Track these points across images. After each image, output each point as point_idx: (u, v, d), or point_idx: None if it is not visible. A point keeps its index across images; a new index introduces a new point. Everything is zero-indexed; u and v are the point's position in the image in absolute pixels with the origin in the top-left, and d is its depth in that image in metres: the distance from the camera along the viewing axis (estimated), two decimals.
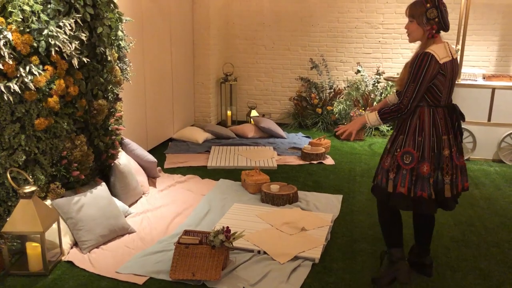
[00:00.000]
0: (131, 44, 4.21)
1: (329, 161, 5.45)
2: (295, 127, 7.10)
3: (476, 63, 6.62)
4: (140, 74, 5.15)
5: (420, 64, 2.57)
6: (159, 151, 5.68)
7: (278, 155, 5.63)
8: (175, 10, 6.00)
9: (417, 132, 2.68)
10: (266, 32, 7.20)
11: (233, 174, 4.90)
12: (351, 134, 2.83)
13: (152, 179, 4.64)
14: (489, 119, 5.47)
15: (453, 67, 2.68)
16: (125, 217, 3.72)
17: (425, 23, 2.60)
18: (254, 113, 7.13)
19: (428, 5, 2.57)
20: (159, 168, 4.86)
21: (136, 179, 4.14)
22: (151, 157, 4.55)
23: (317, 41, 7.10)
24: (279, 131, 6.49)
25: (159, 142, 5.86)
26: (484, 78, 5.72)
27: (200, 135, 6.15)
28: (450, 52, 2.67)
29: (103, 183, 3.62)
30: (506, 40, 6.53)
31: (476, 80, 5.67)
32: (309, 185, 4.65)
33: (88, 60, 3.35)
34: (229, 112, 7.20)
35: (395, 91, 3.10)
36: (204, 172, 4.97)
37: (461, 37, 5.70)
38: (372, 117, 2.75)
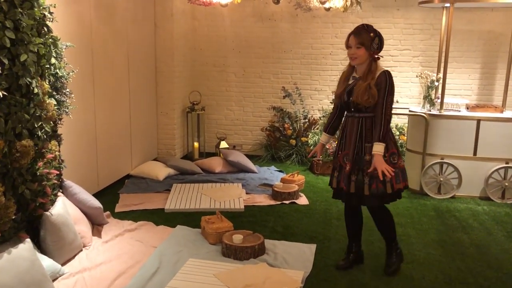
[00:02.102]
0: (72, 73, 3.65)
1: (302, 200, 4.91)
2: (267, 159, 6.58)
3: (458, 91, 6.25)
4: (89, 105, 4.58)
5: (390, 79, 3.09)
6: (113, 190, 5.07)
7: (246, 193, 5.08)
8: (134, 35, 5.48)
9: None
10: (236, 59, 6.74)
11: (193, 218, 4.32)
12: (388, 170, 3.02)
13: (98, 226, 4.02)
14: (474, 153, 5.04)
15: None
16: (55, 280, 3.09)
17: (372, 49, 3.08)
18: (223, 144, 6.59)
19: (372, 34, 3.09)
20: (107, 213, 4.25)
21: (74, 231, 3.52)
22: (95, 202, 3.94)
23: (290, 68, 6.67)
24: (250, 165, 5.96)
25: (114, 179, 5.25)
26: (467, 108, 5.32)
27: (161, 171, 5.56)
28: None
29: (28, 240, 3.00)
30: (488, 68, 6.19)
31: (460, 111, 5.27)
32: (279, 231, 4.09)
33: (5, 93, 2.77)
34: (196, 144, 6.65)
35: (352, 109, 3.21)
36: (160, 217, 4.37)
37: (442, 65, 5.32)
38: (380, 148, 3.04)
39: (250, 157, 6.54)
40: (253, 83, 6.77)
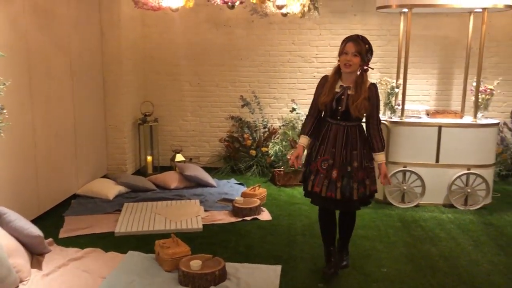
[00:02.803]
0: (2, 86, 3.23)
1: (265, 215, 4.65)
2: (227, 172, 6.28)
3: (417, 97, 6.20)
4: (26, 121, 4.13)
5: (378, 92, 3.32)
6: (57, 212, 4.62)
7: (205, 210, 4.76)
8: (77, 43, 5.06)
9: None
10: (191, 67, 6.42)
11: (147, 242, 3.95)
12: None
13: (38, 257, 3.59)
14: (437, 160, 4.96)
15: None
16: None
17: (366, 60, 3.21)
18: (179, 157, 6.24)
19: (367, 46, 3.21)
20: (49, 240, 3.82)
21: (7, 265, 3.09)
22: (35, 230, 3.51)
23: (247, 76, 6.41)
24: (208, 178, 5.64)
25: (58, 201, 4.79)
26: (428, 114, 5.25)
27: (111, 189, 5.15)
28: None
29: None
30: (445, 73, 6.19)
31: (420, 117, 5.19)
32: (241, 252, 3.80)
33: None
34: (149, 158, 6.26)
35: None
36: (109, 242, 3.98)
37: (401, 70, 5.23)
38: (382, 157, 3.30)
39: (208, 169, 6.22)
40: (209, 92, 6.47)
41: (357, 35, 3.23)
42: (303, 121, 3.49)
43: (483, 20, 4.80)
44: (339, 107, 3.18)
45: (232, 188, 5.55)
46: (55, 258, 3.61)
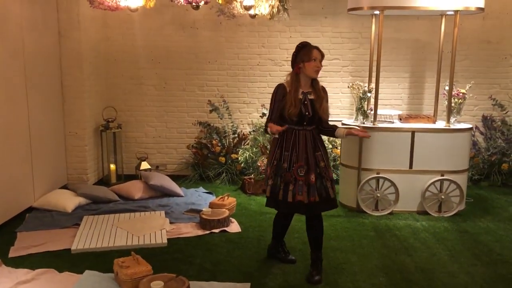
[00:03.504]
0: None
1: (234, 227, 4.41)
2: (195, 180, 6.02)
3: (389, 101, 6.10)
4: None
5: None
6: (9, 228, 4.27)
7: (171, 222, 4.49)
8: (33, 45, 4.72)
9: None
10: (156, 70, 6.13)
11: (106, 259, 3.66)
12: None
13: None
14: (410, 166, 4.84)
15: None
16: None
17: None
18: (145, 165, 5.94)
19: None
20: None
21: None
22: None
23: (216, 80, 6.17)
24: (175, 188, 5.36)
25: (11, 215, 4.43)
26: (400, 119, 5.13)
27: (70, 201, 4.82)
28: None
29: None
30: (416, 77, 6.10)
31: (393, 122, 5.06)
32: (208, 269, 3.55)
33: None
34: (112, 166, 5.93)
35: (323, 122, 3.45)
36: (65, 260, 3.66)
37: (373, 74, 5.10)
38: (342, 131, 3.44)
39: (175, 177, 5.96)
40: (176, 96, 6.20)
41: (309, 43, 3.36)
42: (266, 130, 3.32)
43: (455, 23, 4.71)
44: (307, 113, 3.29)
45: (200, 197, 5.29)
46: (2, 281, 3.28)
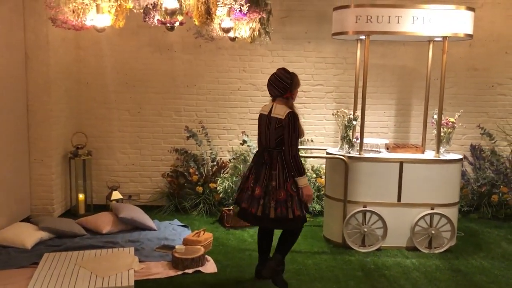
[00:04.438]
0: None
1: (209, 267, 4.04)
2: (170, 211, 5.64)
3: (374, 129, 5.86)
4: None
5: None
6: None
7: (140, 261, 4.09)
8: None
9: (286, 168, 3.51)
10: (130, 94, 5.81)
11: None
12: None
13: None
14: (399, 199, 4.56)
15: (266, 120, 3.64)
16: None
17: None
18: (116, 195, 5.56)
19: None
20: None
21: None
22: None
23: (194, 105, 5.87)
24: (147, 221, 4.97)
25: None
26: (387, 149, 4.89)
27: (30, 236, 4.39)
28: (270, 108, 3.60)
29: None
30: (403, 104, 5.90)
31: (380, 152, 4.81)
32: None
33: None
34: (81, 196, 5.53)
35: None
36: None
37: (358, 101, 4.87)
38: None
39: (149, 208, 5.59)
40: (151, 122, 5.86)
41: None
42: (297, 162, 3.48)
43: (444, 49, 4.52)
44: None
45: (175, 231, 4.91)
46: None
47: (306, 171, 3.65)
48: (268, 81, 3.58)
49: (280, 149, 3.51)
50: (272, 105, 3.58)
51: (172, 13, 2.86)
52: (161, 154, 5.89)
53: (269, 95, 3.64)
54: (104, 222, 4.86)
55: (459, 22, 4.39)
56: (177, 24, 3.66)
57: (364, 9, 4.40)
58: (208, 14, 3.31)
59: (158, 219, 5.32)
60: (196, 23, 3.51)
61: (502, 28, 5.72)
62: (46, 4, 3.03)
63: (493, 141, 5.81)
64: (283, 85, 3.50)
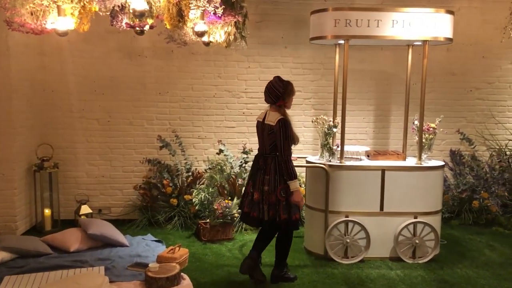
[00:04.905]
0: None
1: (186, 285, 3.76)
2: (143, 225, 5.35)
3: (353, 136, 5.73)
4: None
5: None
6: None
7: (111, 281, 3.78)
8: None
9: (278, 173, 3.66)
10: (99, 102, 5.51)
11: None
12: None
13: None
14: (381, 208, 4.42)
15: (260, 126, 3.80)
16: None
17: None
18: (85, 209, 5.27)
19: None
20: None
21: None
22: None
23: (167, 113, 5.62)
24: (118, 236, 4.68)
25: None
26: (368, 156, 4.75)
27: None
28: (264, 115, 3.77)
29: None
30: (381, 110, 5.79)
31: (361, 159, 4.66)
32: None
33: None
34: (47, 211, 5.19)
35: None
36: None
37: (338, 107, 4.73)
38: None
39: (120, 223, 5.31)
40: (122, 131, 5.57)
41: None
42: (289, 167, 3.61)
43: (424, 53, 4.42)
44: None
45: (148, 247, 4.63)
46: None
47: (297, 176, 3.68)
48: (265, 88, 3.75)
49: (274, 154, 3.66)
50: (266, 112, 3.76)
51: (141, 15, 2.63)
52: (132, 165, 5.60)
53: (264, 102, 3.89)
54: (71, 239, 4.55)
55: (439, 25, 4.30)
56: (147, 27, 3.44)
57: (342, 13, 4.26)
58: (180, 17, 3.09)
59: (130, 234, 5.03)
60: (168, 26, 3.28)
61: (479, 32, 5.69)
62: (0, 5, 2.75)
63: (472, 146, 5.77)
64: (276, 93, 3.65)
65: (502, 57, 5.75)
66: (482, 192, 5.47)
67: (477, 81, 5.78)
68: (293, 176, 3.60)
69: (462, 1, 5.57)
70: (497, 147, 5.78)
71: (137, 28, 3.42)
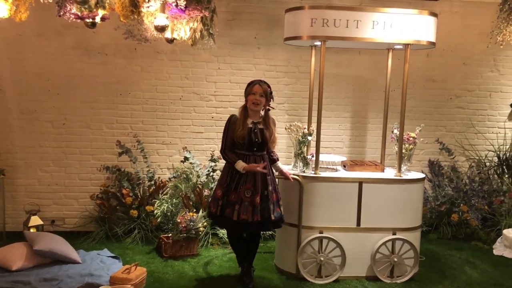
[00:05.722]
0: None
1: None
2: (100, 238, 4.88)
3: (329, 144, 5.40)
4: None
5: None
6: None
7: None
8: None
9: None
10: (54, 103, 5.03)
11: None
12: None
13: None
14: (358, 224, 4.10)
15: None
16: None
17: (269, 101, 3.81)
18: (35, 220, 4.77)
19: (269, 88, 3.81)
20: None
21: None
22: None
23: (129, 116, 5.17)
24: (69, 252, 4.21)
25: None
26: (345, 166, 4.42)
27: None
28: None
29: None
30: (358, 117, 5.49)
31: (337, 170, 4.33)
32: None
33: None
34: None
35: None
36: None
37: (313, 113, 4.40)
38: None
39: (75, 235, 4.87)
40: (78, 135, 5.10)
41: (259, 79, 3.83)
42: (226, 156, 3.75)
43: (405, 58, 4.12)
44: (256, 139, 3.69)
45: (103, 264, 4.18)
46: None
47: (237, 160, 3.70)
48: None
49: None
50: None
51: (83, 2, 2.23)
52: (89, 173, 5.13)
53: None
54: (15, 256, 4.05)
55: (421, 28, 4.01)
56: (98, 19, 3.01)
57: (320, 11, 3.92)
58: (133, 7, 2.68)
59: (84, 248, 4.57)
60: (121, 18, 2.87)
61: (459, 38, 5.46)
62: None
63: (451, 157, 5.53)
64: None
65: (482, 64, 5.54)
66: (461, 205, 5.22)
67: (457, 89, 5.55)
68: (233, 160, 3.70)
69: (443, 5, 5.33)
70: (477, 157, 5.55)
71: (87, 20, 2.99)
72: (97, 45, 5.02)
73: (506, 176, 5.47)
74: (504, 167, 5.48)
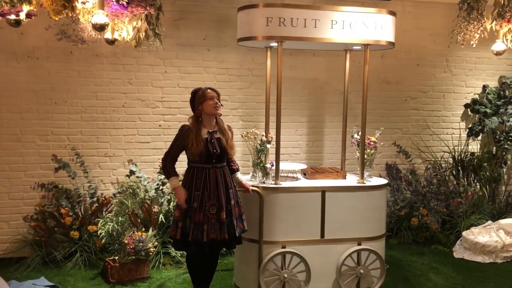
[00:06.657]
0: None
1: None
2: (36, 264, 4.33)
3: (285, 150, 5.15)
4: None
5: None
6: None
7: None
8: None
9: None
10: None
11: None
12: None
13: None
14: (322, 235, 3.85)
15: None
16: None
17: None
18: None
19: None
20: None
21: None
22: None
23: (65, 127, 4.65)
24: None
25: None
26: (305, 174, 4.17)
27: None
28: None
29: None
30: (315, 121, 5.28)
31: (297, 179, 4.07)
32: None
33: None
34: None
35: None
36: None
37: (270, 119, 4.12)
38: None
39: (7, 262, 4.37)
40: (7, 149, 4.52)
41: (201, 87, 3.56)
42: (165, 167, 3.46)
43: (365, 59, 3.93)
44: (214, 150, 3.39)
45: None
46: None
47: (173, 175, 3.42)
48: None
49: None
50: None
51: None
52: (22, 191, 4.56)
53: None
54: None
55: (381, 28, 3.83)
56: (23, 16, 2.55)
57: (276, 10, 3.64)
58: (66, 1, 2.27)
59: (17, 278, 4.02)
60: (51, 15, 2.44)
61: (413, 39, 5.40)
62: None
63: (409, 160, 5.45)
64: (191, 104, 3.51)
65: (436, 65, 5.51)
66: (421, 208, 5.14)
67: (412, 90, 5.49)
68: (170, 174, 3.42)
69: (396, 5, 5.23)
70: (433, 159, 5.51)
71: (9, 17, 2.52)
72: (26, 48, 4.47)
73: (461, 177, 5.46)
74: (460, 168, 5.47)
